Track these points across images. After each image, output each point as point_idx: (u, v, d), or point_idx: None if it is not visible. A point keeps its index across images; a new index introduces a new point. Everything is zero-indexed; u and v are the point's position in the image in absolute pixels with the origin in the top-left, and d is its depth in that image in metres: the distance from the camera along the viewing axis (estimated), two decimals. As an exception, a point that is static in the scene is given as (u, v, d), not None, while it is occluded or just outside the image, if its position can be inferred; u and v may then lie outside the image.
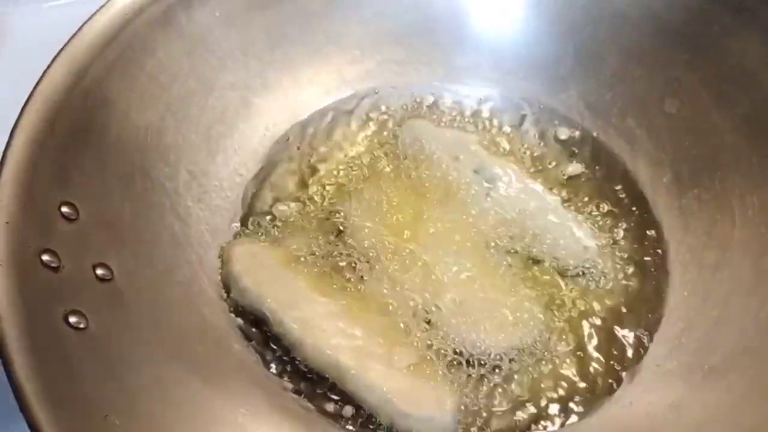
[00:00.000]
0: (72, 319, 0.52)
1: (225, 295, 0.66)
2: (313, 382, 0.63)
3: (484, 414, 0.62)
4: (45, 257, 0.53)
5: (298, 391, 0.63)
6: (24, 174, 0.54)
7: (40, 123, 0.57)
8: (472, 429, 0.61)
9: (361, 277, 0.67)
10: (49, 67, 0.60)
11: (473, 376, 0.63)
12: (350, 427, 0.62)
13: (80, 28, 0.62)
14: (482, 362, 0.63)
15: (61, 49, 0.61)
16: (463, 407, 0.62)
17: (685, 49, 0.74)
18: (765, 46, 0.68)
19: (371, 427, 0.61)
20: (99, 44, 0.63)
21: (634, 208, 0.74)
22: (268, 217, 0.72)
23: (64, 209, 0.57)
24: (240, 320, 0.65)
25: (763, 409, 0.56)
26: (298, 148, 0.77)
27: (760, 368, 0.59)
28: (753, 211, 0.67)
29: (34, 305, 0.50)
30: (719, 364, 0.61)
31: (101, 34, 0.63)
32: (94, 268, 0.57)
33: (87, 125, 0.61)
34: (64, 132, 0.58)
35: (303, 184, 0.75)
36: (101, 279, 0.57)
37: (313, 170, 0.76)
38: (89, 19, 0.63)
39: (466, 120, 0.81)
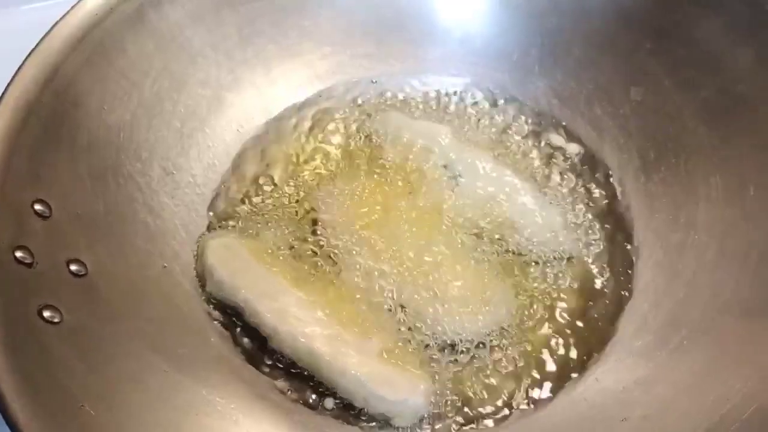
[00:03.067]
0: (46, 314, 0.53)
1: (200, 287, 0.67)
2: (292, 374, 0.64)
3: (457, 396, 0.63)
4: (18, 254, 0.54)
5: (277, 381, 0.64)
6: (-4, 171, 0.55)
7: (13, 123, 0.58)
8: (445, 411, 0.62)
9: (335, 266, 0.68)
10: (20, 67, 0.61)
11: (446, 360, 0.64)
12: (330, 416, 0.63)
13: (51, 29, 0.63)
14: (454, 347, 0.65)
15: (33, 50, 0.61)
16: (436, 391, 0.63)
17: (648, 37, 0.75)
18: (726, 33, 0.69)
19: (352, 412, 0.62)
20: (70, 44, 0.63)
21: (602, 193, 0.75)
22: (242, 211, 0.73)
23: (38, 207, 0.57)
24: (216, 312, 0.66)
25: (726, 383, 0.57)
26: (271, 142, 0.78)
27: (723, 345, 0.61)
28: (716, 192, 0.69)
29: (8, 300, 0.51)
30: (683, 342, 0.63)
31: (72, 33, 0.64)
32: (68, 263, 0.58)
33: (59, 123, 0.62)
34: (37, 131, 0.59)
35: (276, 178, 0.75)
36: (75, 274, 0.58)
37: (287, 163, 0.77)
38: (60, 19, 0.64)
39: (438, 110, 0.82)
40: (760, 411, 0.54)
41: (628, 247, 0.72)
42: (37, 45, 0.62)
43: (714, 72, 0.70)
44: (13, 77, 0.60)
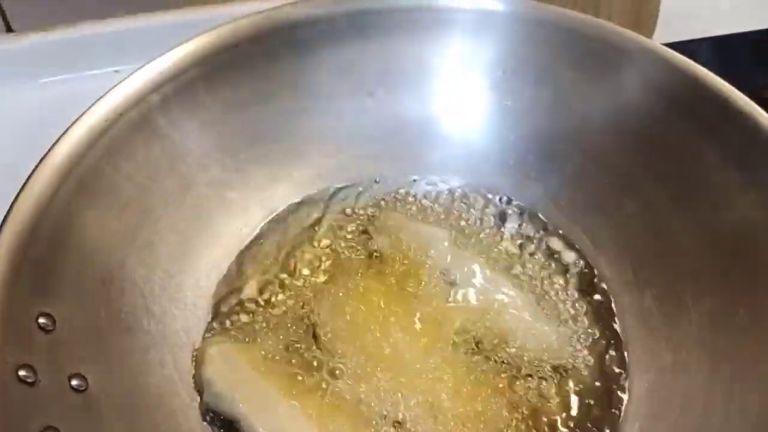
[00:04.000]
0: (47, 436, 0.53)
1: (198, 398, 0.67)
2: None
3: None
4: (21, 372, 0.54)
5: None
6: (5, 289, 0.56)
7: (21, 232, 0.59)
8: None
9: (333, 378, 0.69)
10: (30, 175, 0.62)
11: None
12: None
13: (60, 137, 0.64)
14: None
15: (41, 161, 0.62)
16: None
17: (643, 152, 0.78)
18: (723, 159, 0.71)
19: None
20: (79, 152, 0.64)
21: (598, 308, 0.77)
22: (242, 315, 0.73)
23: (42, 320, 0.58)
24: (214, 425, 0.66)
25: None
26: (272, 245, 0.79)
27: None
28: (708, 317, 0.70)
29: (9, 426, 0.51)
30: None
31: (80, 143, 0.65)
32: (69, 378, 0.58)
33: (66, 233, 0.62)
34: (45, 241, 0.60)
35: (277, 282, 0.76)
36: (76, 390, 0.58)
37: (287, 266, 0.78)
38: (69, 127, 0.65)
39: (437, 213, 0.84)
40: None
41: (621, 365, 0.72)
42: (46, 154, 0.63)
43: (708, 196, 0.72)
44: (24, 185, 0.61)
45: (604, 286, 0.78)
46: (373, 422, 0.66)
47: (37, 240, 0.59)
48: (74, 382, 0.58)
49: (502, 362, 0.72)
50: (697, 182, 0.73)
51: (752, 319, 0.68)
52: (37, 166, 0.62)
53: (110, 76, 0.96)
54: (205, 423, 0.66)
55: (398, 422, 0.66)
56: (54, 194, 0.62)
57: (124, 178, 0.69)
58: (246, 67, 0.77)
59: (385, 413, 0.67)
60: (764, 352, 0.66)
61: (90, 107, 0.67)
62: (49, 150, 0.64)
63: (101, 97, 0.68)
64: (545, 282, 0.78)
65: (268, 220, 0.81)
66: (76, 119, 0.66)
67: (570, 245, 0.81)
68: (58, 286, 0.60)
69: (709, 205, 0.72)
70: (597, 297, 0.78)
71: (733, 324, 0.69)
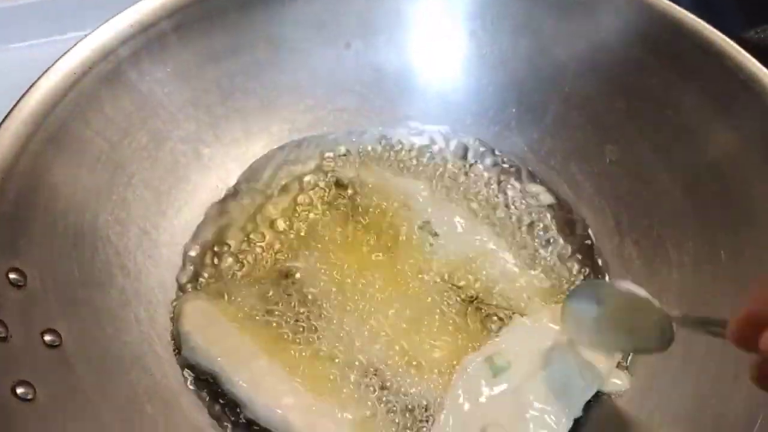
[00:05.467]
0: (20, 390, 0.52)
1: (175, 353, 0.66)
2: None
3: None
4: (-7, 329, 0.53)
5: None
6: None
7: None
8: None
9: (312, 329, 0.68)
10: (-5, 132, 0.61)
11: (425, 426, 0.64)
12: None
13: (27, 92, 0.62)
14: (433, 411, 0.65)
15: (7, 115, 0.61)
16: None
17: (623, 98, 0.77)
18: (701, 102, 0.71)
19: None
20: (47, 106, 0.63)
21: (579, 255, 0.76)
22: (219, 269, 0.72)
23: (12, 276, 0.57)
24: (191, 379, 0.65)
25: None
26: (249, 198, 0.78)
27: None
28: (689, 258, 0.70)
29: (-19, 380, 0.51)
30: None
31: (48, 96, 0.63)
32: (42, 334, 0.57)
33: (36, 189, 0.61)
34: (13, 198, 0.59)
35: (253, 234, 0.75)
36: (49, 345, 0.57)
37: (264, 221, 0.77)
38: (35, 81, 0.63)
39: (416, 165, 0.83)
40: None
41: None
42: (12, 110, 0.61)
43: (688, 139, 0.72)
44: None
45: (586, 233, 0.78)
46: (353, 373, 0.66)
47: (5, 195, 0.58)
48: (47, 338, 0.57)
49: (485, 311, 0.71)
50: (676, 126, 0.73)
51: (734, 262, 0.68)
52: (3, 121, 0.61)
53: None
54: (183, 378, 0.65)
55: (378, 372, 0.66)
56: (22, 150, 0.60)
57: (95, 133, 0.67)
58: (217, 20, 0.75)
59: (364, 364, 0.66)
60: (746, 293, 0.66)
61: (57, 60, 0.65)
62: (16, 104, 0.62)
63: (69, 50, 0.66)
64: (527, 230, 0.78)
65: (244, 175, 0.79)
66: (43, 73, 0.64)
67: (551, 193, 0.80)
68: (28, 242, 0.59)
69: (689, 148, 0.72)
70: (579, 244, 0.77)
71: (714, 267, 0.69)
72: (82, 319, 0.62)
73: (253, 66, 0.78)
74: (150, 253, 0.70)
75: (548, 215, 0.79)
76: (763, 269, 0.65)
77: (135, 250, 0.69)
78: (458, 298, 0.72)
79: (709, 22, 0.71)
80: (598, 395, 0.67)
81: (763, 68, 0.67)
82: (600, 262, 0.76)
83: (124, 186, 0.70)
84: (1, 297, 0.55)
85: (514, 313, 0.71)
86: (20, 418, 0.51)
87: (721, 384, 0.62)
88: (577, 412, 0.64)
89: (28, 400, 0.53)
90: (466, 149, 0.83)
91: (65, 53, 0.66)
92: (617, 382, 0.67)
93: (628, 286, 0.59)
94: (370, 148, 0.83)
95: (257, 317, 0.68)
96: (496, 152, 0.83)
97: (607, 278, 0.75)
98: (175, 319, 0.67)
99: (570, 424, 0.64)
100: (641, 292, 0.58)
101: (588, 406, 0.66)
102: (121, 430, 0.58)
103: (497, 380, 0.64)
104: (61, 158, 0.64)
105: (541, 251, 0.76)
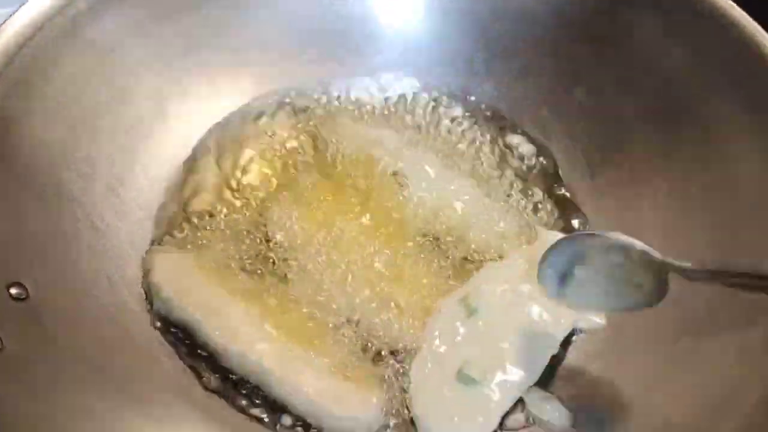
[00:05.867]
0: (-14, 342, 0.52)
1: (148, 306, 0.65)
2: (246, 391, 0.62)
3: (408, 401, 0.63)
4: (-45, 279, 0.53)
5: (230, 400, 0.62)
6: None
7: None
8: (398, 419, 0.62)
9: (285, 278, 0.68)
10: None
11: (398, 368, 0.64)
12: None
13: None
14: (407, 353, 0.65)
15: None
16: (389, 400, 0.62)
17: (588, 40, 0.76)
18: (663, 34, 0.71)
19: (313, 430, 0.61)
20: (3, 61, 0.62)
21: (553, 198, 0.76)
22: (190, 224, 0.71)
23: (-25, 231, 0.56)
24: (164, 331, 0.65)
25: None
26: (218, 152, 0.77)
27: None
28: (661, 194, 0.70)
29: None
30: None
31: (3, 52, 0.62)
32: (8, 287, 0.56)
33: (-3, 145, 0.60)
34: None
35: (224, 188, 0.74)
36: (16, 298, 0.56)
37: (234, 173, 0.75)
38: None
39: (386, 115, 0.82)
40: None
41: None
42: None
43: (653, 74, 0.72)
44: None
45: (558, 175, 0.77)
46: (329, 318, 0.65)
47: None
48: (13, 291, 0.57)
49: (460, 255, 0.71)
50: (641, 62, 0.73)
51: (705, 194, 0.68)
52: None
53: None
54: (155, 331, 0.64)
55: (354, 317, 0.66)
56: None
57: (55, 89, 0.66)
58: (177, -28, 0.74)
59: (340, 309, 0.66)
60: (716, 224, 0.66)
61: (12, 15, 0.64)
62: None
63: (23, 4, 0.65)
64: (498, 176, 0.77)
65: (211, 129, 0.78)
66: (-3, 27, 0.63)
67: (522, 138, 0.80)
68: (-10, 198, 0.58)
69: (656, 83, 0.72)
70: (552, 187, 0.77)
71: (685, 202, 0.69)
72: (50, 275, 0.61)
73: (217, 20, 0.77)
74: (118, 209, 0.69)
75: (519, 160, 0.79)
76: (734, 203, 0.66)
77: (102, 206, 0.68)
78: (433, 244, 0.71)
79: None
80: (576, 332, 0.67)
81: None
82: (574, 204, 0.75)
83: (88, 142, 0.69)
84: (-36, 251, 0.54)
85: (488, 258, 0.71)
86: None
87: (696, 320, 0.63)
88: (554, 348, 0.64)
89: (-4, 350, 0.52)
90: (434, 98, 0.82)
91: (20, 7, 0.64)
92: (594, 320, 0.66)
93: (619, 237, 0.55)
94: (339, 99, 0.82)
95: (231, 267, 0.68)
96: (466, 99, 0.82)
97: (576, 224, 0.75)
98: (145, 272, 0.66)
99: (546, 360, 0.64)
100: (637, 243, 0.55)
101: (566, 342, 0.66)
102: (92, 380, 0.57)
103: (472, 320, 0.64)
104: (20, 115, 0.63)
105: (514, 195, 0.76)
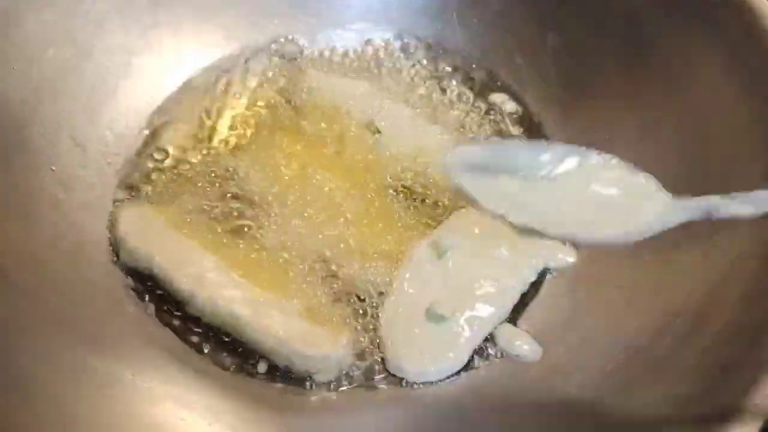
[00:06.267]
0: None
1: (115, 259, 0.65)
2: (218, 339, 0.62)
3: (378, 342, 0.63)
4: None
5: (201, 348, 0.62)
6: None
7: None
8: (367, 359, 0.62)
9: (254, 227, 0.67)
10: None
11: (368, 311, 0.64)
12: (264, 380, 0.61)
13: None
14: (378, 297, 0.64)
15: None
16: (359, 341, 0.62)
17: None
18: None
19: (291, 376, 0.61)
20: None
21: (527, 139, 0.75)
22: (157, 178, 0.71)
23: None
24: (132, 283, 0.64)
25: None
26: (187, 106, 0.76)
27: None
28: (632, 133, 0.70)
29: None
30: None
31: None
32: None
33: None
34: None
35: (193, 142, 0.74)
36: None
37: (203, 127, 0.75)
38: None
39: (358, 65, 0.81)
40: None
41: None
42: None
43: (623, 17, 0.71)
44: None
45: (535, 122, 0.77)
46: (299, 264, 0.65)
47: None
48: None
49: (432, 201, 0.70)
50: (611, 7, 0.72)
51: (676, 132, 0.67)
52: None
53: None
54: (123, 283, 0.64)
55: (324, 262, 0.65)
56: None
57: (16, 47, 0.66)
58: None
59: (311, 255, 0.65)
60: (686, 159, 0.66)
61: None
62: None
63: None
64: (471, 123, 0.77)
65: (179, 84, 0.77)
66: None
67: (497, 86, 0.79)
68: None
69: (624, 23, 0.71)
70: (527, 134, 0.76)
71: (658, 139, 0.68)
72: (15, 228, 0.60)
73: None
74: (84, 164, 0.69)
75: (494, 108, 0.78)
76: (704, 140, 0.65)
77: (68, 161, 0.67)
78: (405, 192, 0.71)
79: None
80: (546, 271, 0.66)
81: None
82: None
83: (52, 99, 0.68)
84: None
85: (460, 205, 0.70)
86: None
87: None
88: (524, 287, 0.64)
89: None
90: (406, 47, 0.82)
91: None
92: (563, 258, 0.66)
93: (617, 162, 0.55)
94: (309, 50, 0.81)
95: (198, 220, 0.67)
96: (439, 49, 0.81)
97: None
98: (112, 225, 0.66)
99: (516, 298, 0.63)
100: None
101: (536, 282, 0.65)
102: (59, 332, 0.57)
103: (442, 262, 0.64)
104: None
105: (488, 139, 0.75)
